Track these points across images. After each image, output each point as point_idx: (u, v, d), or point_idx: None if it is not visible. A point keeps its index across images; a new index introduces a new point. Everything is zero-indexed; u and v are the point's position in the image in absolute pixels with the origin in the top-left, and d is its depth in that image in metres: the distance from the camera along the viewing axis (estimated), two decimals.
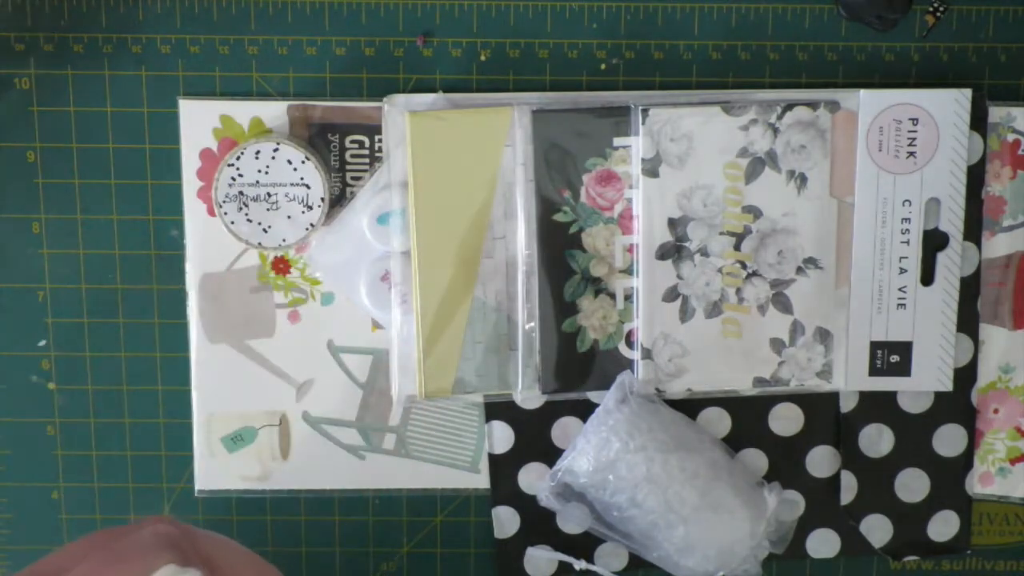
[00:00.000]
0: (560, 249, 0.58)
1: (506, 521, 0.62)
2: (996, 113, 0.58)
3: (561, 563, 0.62)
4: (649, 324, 0.58)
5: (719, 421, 0.61)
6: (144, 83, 0.58)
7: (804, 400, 0.61)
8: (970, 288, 0.59)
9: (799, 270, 0.58)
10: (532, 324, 0.59)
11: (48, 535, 0.63)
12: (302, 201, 0.57)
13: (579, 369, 0.59)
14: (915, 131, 0.57)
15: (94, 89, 0.58)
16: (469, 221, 0.58)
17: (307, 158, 0.56)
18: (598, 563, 0.62)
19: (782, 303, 0.59)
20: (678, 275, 0.58)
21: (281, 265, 0.59)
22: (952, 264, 0.58)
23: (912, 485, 0.62)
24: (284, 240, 0.57)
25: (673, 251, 0.58)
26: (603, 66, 0.58)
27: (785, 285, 0.59)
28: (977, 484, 0.62)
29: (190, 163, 0.58)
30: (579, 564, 0.62)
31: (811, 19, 0.58)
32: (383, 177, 0.58)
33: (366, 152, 0.58)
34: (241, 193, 0.57)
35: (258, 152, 0.56)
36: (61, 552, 0.41)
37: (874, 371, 0.59)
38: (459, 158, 0.57)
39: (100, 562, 0.39)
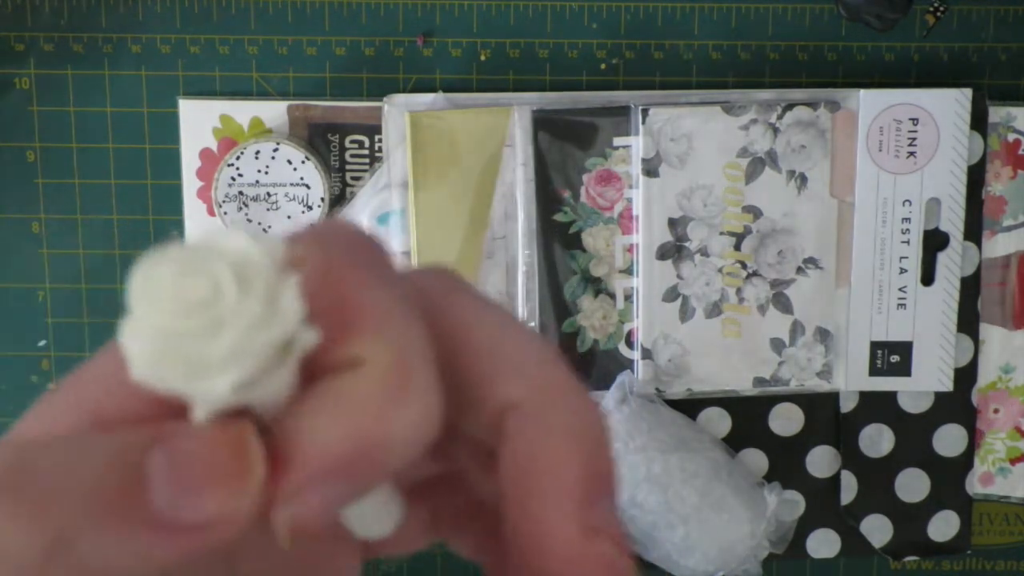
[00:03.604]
0: (560, 249, 0.58)
1: None
2: (996, 113, 0.58)
3: None
4: (649, 324, 0.58)
5: (719, 421, 0.61)
6: (144, 83, 0.58)
7: (804, 400, 0.61)
8: (970, 288, 0.59)
9: (799, 270, 0.58)
10: (532, 324, 0.59)
11: None
12: (302, 201, 0.57)
13: (579, 369, 0.59)
14: (915, 131, 0.57)
15: (94, 89, 0.58)
16: (469, 221, 0.58)
17: (307, 158, 0.56)
18: None
19: (782, 303, 0.59)
20: (678, 275, 0.58)
21: None
22: (952, 264, 0.58)
23: (912, 485, 0.62)
24: None
25: (673, 251, 0.58)
26: (603, 66, 0.58)
27: (785, 285, 0.59)
28: (977, 484, 0.62)
29: (190, 163, 0.58)
30: None
31: (811, 19, 0.58)
32: (383, 177, 0.58)
33: (366, 152, 0.58)
34: (241, 193, 0.57)
35: (258, 152, 0.56)
36: None
37: (874, 371, 0.59)
38: (459, 158, 0.57)
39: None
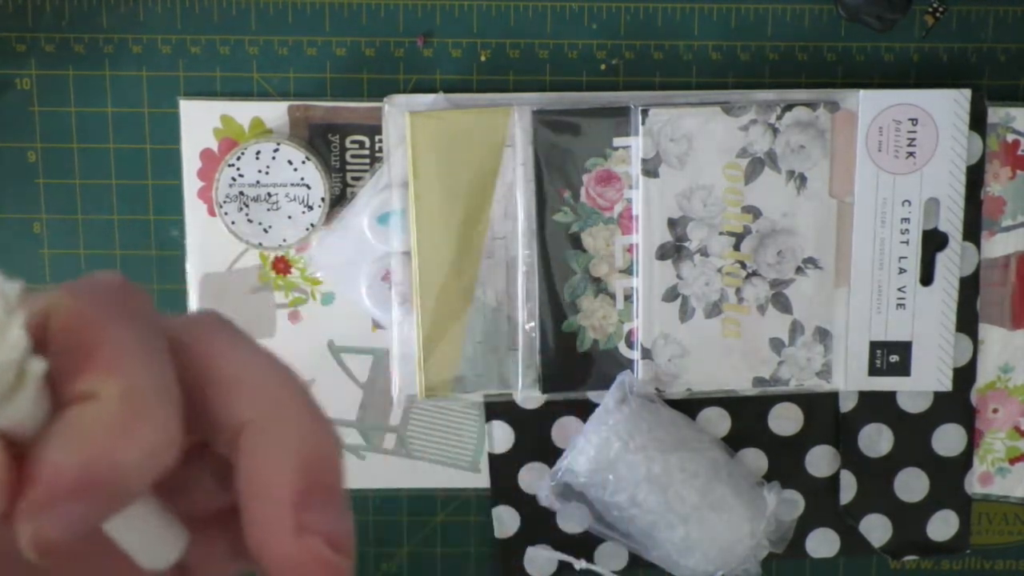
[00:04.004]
0: (560, 249, 0.58)
1: (506, 521, 0.62)
2: (995, 113, 0.58)
3: (561, 562, 0.62)
4: (649, 324, 0.59)
5: (719, 421, 0.61)
6: (145, 83, 0.58)
7: (804, 400, 0.61)
8: (969, 288, 0.59)
9: (799, 270, 0.58)
10: (532, 324, 0.59)
11: None
12: (302, 201, 0.57)
13: (579, 369, 0.59)
14: (914, 131, 0.57)
15: (95, 89, 0.58)
16: (469, 221, 0.58)
17: (307, 158, 0.57)
18: (598, 562, 0.62)
19: (782, 303, 0.59)
20: (678, 275, 0.58)
21: (281, 265, 0.59)
22: (951, 264, 0.59)
23: (911, 485, 0.62)
24: (284, 240, 0.58)
25: (673, 251, 0.58)
26: (603, 66, 0.58)
27: (785, 285, 0.59)
28: (976, 484, 0.62)
29: (190, 163, 0.58)
30: (579, 563, 0.62)
31: (811, 19, 0.58)
32: (383, 177, 0.58)
33: (366, 152, 0.58)
34: (242, 193, 0.57)
35: (258, 152, 0.56)
36: None
37: (873, 371, 0.60)
38: (459, 158, 0.57)
39: None
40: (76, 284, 0.20)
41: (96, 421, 0.18)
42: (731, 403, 0.61)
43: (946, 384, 0.60)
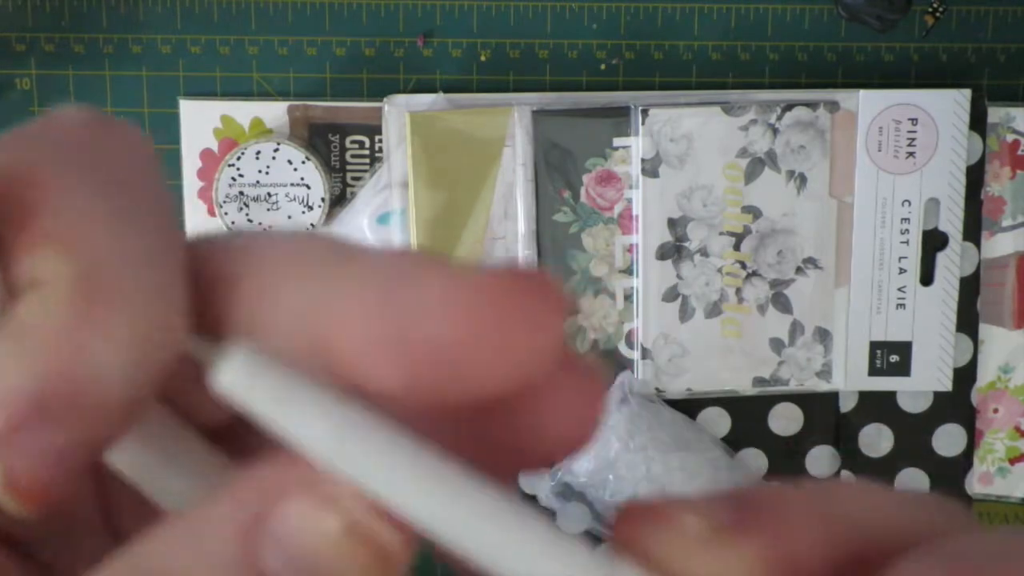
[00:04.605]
0: (560, 249, 0.58)
1: None
2: (995, 113, 0.58)
3: None
4: (649, 324, 0.59)
5: (719, 421, 0.61)
6: (145, 83, 0.58)
7: (804, 400, 0.61)
8: (970, 288, 0.59)
9: (799, 270, 0.58)
10: None
11: None
12: (302, 201, 0.57)
13: None
14: (914, 131, 0.57)
15: (95, 89, 0.58)
16: (469, 221, 0.58)
17: (307, 158, 0.57)
18: None
19: (782, 303, 0.59)
20: (678, 275, 0.58)
21: None
22: (951, 264, 0.59)
23: (912, 485, 0.62)
24: None
25: (673, 251, 0.58)
26: (603, 66, 0.59)
27: (785, 285, 0.59)
28: (977, 484, 0.62)
29: (190, 163, 0.58)
30: None
31: (811, 19, 0.58)
32: (383, 177, 0.58)
33: (366, 152, 0.58)
34: (241, 193, 0.57)
35: (258, 152, 0.56)
36: None
37: (873, 371, 0.60)
38: (459, 158, 0.57)
39: None
40: (24, 128, 0.15)
41: (44, 316, 0.13)
42: (731, 403, 0.61)
43: (946, 384, 0.60)
